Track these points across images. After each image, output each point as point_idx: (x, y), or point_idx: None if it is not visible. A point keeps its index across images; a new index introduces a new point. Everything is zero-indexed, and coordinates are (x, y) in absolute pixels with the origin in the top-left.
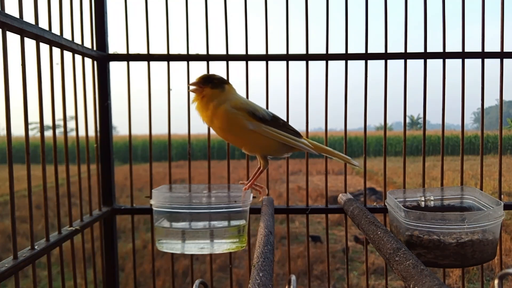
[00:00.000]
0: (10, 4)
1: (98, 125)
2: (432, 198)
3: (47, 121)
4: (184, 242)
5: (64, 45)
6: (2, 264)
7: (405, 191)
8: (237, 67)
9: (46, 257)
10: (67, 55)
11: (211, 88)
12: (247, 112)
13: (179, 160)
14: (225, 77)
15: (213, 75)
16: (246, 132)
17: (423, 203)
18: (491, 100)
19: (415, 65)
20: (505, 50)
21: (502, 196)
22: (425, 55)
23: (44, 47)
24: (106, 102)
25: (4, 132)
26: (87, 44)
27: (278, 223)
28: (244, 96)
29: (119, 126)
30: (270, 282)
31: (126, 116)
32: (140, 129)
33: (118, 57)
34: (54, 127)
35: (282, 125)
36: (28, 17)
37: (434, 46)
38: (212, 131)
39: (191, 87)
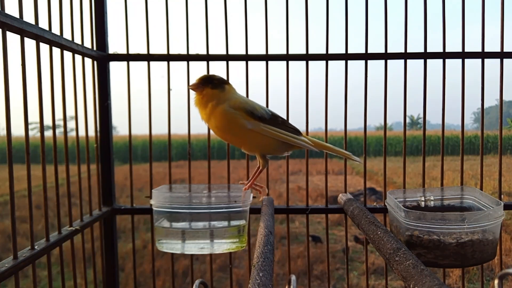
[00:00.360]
0: (10, 4)
1: (98, 125)
2: (432, 198)
3: (47, 121)
4: (184, 242)
5: (64, 45)
6: (2, 264)
7: (405, 191)
8: (237, 67)
9: (46, 257)
10: (67, 55)
11: (211, 89)
12: (245, 112)
13: (179, 160)
14: (225, 77)
15: (213, 76)
16: (245, 131)
17: (423, 203)
18: (491, 100)
19: (415, 65)
20: (505, 50)
21: (502, 196)
22: (425, 55)
23: (44, 47)
24: (106, 102)
25: (4, 132)
26: (87, 44)
27: (278, 223)
28: (245, 96)
29: (119, 126)
30: (270, 282)
31: (126, 116)
32: (140, 129)
33: (118, 57)
34: (54, 127)
35: (281, 123)
36: (28, 17)
37: (434, 46)
38: (212, 131)
39: (191, 87)
